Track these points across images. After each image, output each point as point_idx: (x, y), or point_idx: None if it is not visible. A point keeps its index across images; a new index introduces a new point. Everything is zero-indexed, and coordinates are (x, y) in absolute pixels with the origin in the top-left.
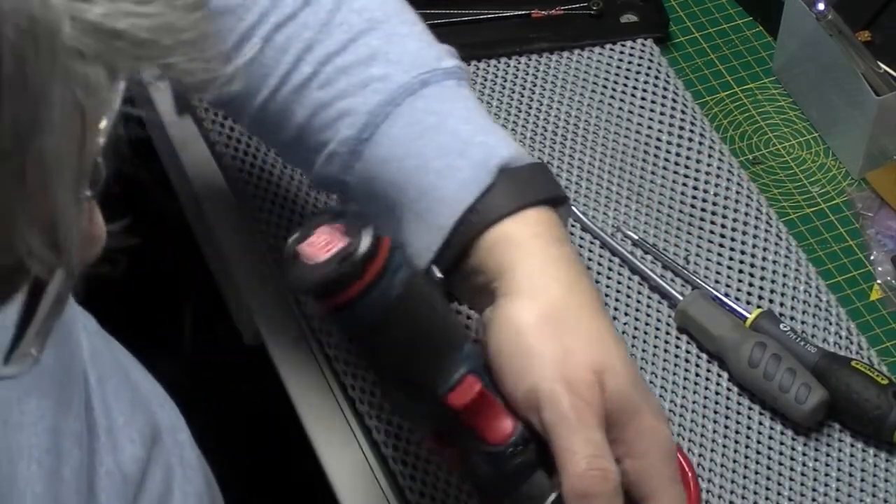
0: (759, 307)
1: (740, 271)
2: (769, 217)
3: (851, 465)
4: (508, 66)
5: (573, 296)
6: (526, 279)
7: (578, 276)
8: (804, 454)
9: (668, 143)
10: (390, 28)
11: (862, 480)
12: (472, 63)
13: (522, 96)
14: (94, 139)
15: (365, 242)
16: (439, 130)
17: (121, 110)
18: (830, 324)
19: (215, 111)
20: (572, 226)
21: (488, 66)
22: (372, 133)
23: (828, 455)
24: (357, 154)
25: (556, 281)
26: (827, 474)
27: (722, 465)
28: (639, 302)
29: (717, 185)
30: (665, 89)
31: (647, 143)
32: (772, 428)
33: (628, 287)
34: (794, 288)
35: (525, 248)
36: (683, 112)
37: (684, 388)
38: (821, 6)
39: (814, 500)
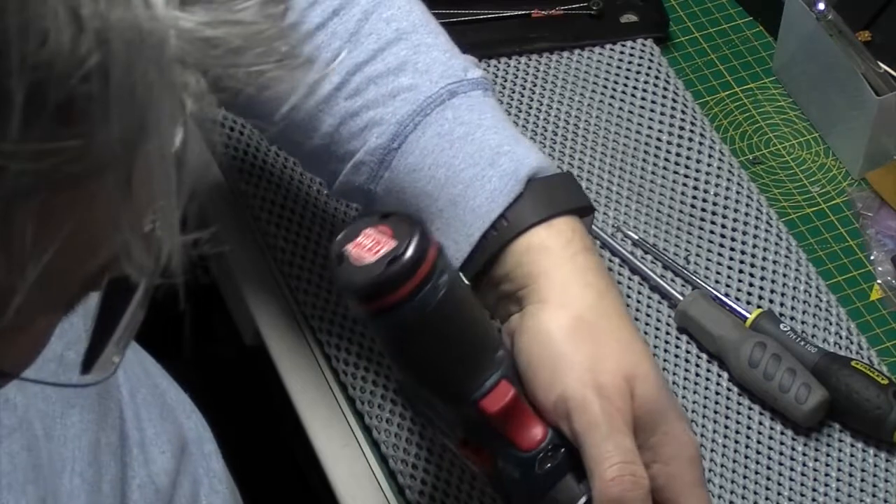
0: (759, 307)
1: (740, 271)
2: (769, 217)
3: (851, 465)
4: (508, 66)
5: (602, 304)
6: (557, 287)
7: (608, 285)
8: (804, 454)
9: (668, 143)
10: (418, 38)
11: (862, 480)
12: None
13: (522, 96)
14: (191, 146)
15: (413, 245)
16: (468, 140)
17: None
18: (830, 324)
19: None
20: None
21: (488, 66)
22: (401, 143)
23: (828, 455)
24: (386, 164)
25: (587, 289)
26: (827, 474)
27: (722, 465)
28: (639, 302)
29: (717, 185)
30: (665, 89)
31: (647, 143)
32: (772, 428)
33: (628, 287)
34: (795, 288)
35: (555, 256)
36: (683, 112)
37: (684, 388)
38: (821, 6)
39: (814, 500)
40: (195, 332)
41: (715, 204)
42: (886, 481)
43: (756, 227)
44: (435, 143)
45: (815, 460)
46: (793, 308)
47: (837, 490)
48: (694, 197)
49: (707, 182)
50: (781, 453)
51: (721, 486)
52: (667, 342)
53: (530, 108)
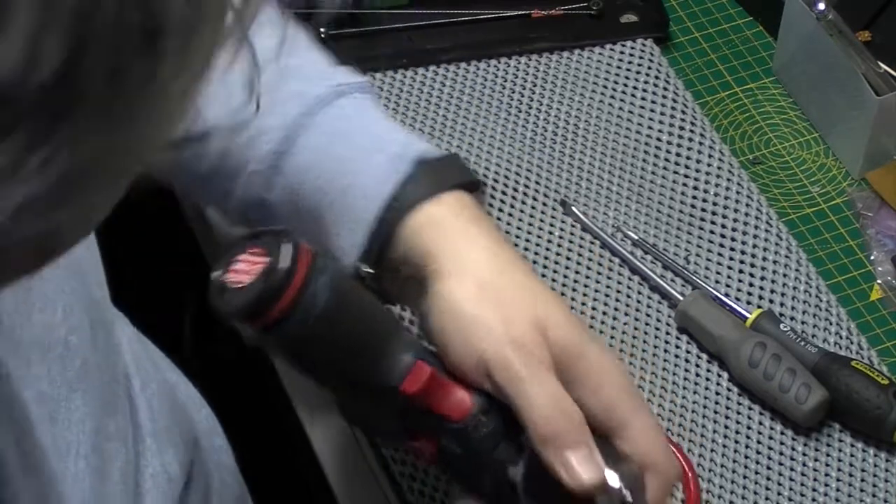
0: (759, 307)
1: (740, 271)
2: (769, 217)
3: (851, 465)
4: (508, 66)
5: (499, 261)
6: (454, 257)
7: (503, 246)
8: (804, 454)
9: (668, 143)
10: (300, 49)
11: (862, 480)
12: (472, 63)
13: (522, 96)
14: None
15: (285, 255)
16: (356, 133)
17: None
18: (830, 324)
19: None
20: (572, 226)
21: (488, 66)
22: (290, 145)
23: (828, 455)
24: (277, 168)
25: (483, 252)
26: (827, 474)
27: (722, 465)
28: (639, 302)
29: (717, 185)
30: (665, 89)
31: (647, 143)
32: (772, 428)
33: (628, 287)
34: (795, 288)
35: (447, 227)
36: (683, 112)
37: (684, 388)
38: (821, 6)
39: (814, 500)
40: (195, 332)
41: (715, 204)
42: (886, 481)
43: (756, 228)
44: (323, 140)
45: (815, 460)
46: (793, 308)
47: (837, 490)
48: (694, 197)
49: (707, 182)
50: (781, 453)
51: (721, 486)
52: (667, 342)
53: (530, 108)
